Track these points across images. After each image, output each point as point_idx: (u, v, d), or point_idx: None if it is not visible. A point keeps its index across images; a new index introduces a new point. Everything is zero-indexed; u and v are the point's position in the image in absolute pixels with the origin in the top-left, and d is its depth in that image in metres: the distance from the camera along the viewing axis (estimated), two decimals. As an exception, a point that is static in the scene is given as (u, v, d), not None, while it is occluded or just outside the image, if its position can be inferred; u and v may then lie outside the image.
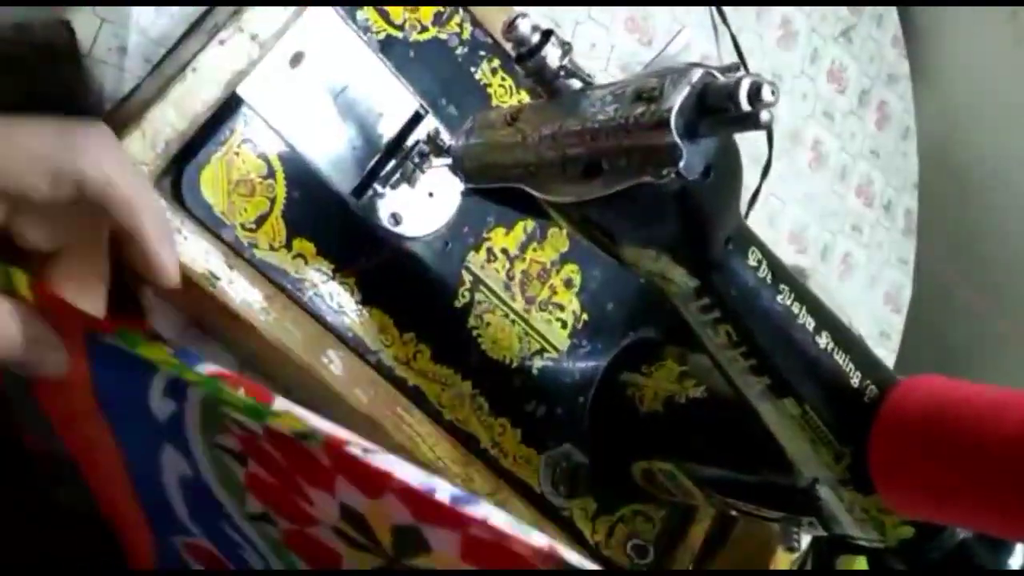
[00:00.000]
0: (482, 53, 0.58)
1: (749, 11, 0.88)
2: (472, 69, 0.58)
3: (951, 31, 1.07)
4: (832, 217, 0.98)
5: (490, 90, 0.58)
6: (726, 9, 0.85)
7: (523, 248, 0.61)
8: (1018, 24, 1.02)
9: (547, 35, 0.45)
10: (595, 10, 0.75)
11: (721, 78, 0.38)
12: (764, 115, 0.35)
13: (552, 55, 0.45)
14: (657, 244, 0.41)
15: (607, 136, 0.40)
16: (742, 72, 0.38)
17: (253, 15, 0.49)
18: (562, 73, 0.45)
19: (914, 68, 1.06)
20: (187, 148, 0.47)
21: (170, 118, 0.46)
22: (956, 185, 1.12)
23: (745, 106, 0.36)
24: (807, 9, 0.94)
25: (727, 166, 0.40)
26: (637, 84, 0.40)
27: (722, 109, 0.37)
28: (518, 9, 0.45)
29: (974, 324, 1.15)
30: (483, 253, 0.59)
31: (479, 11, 0.57)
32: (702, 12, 0.84)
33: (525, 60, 0.45)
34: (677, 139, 0.37)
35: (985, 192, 1.12)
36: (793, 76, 0.93)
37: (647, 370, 0.63)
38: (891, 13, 1.03)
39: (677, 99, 0.37)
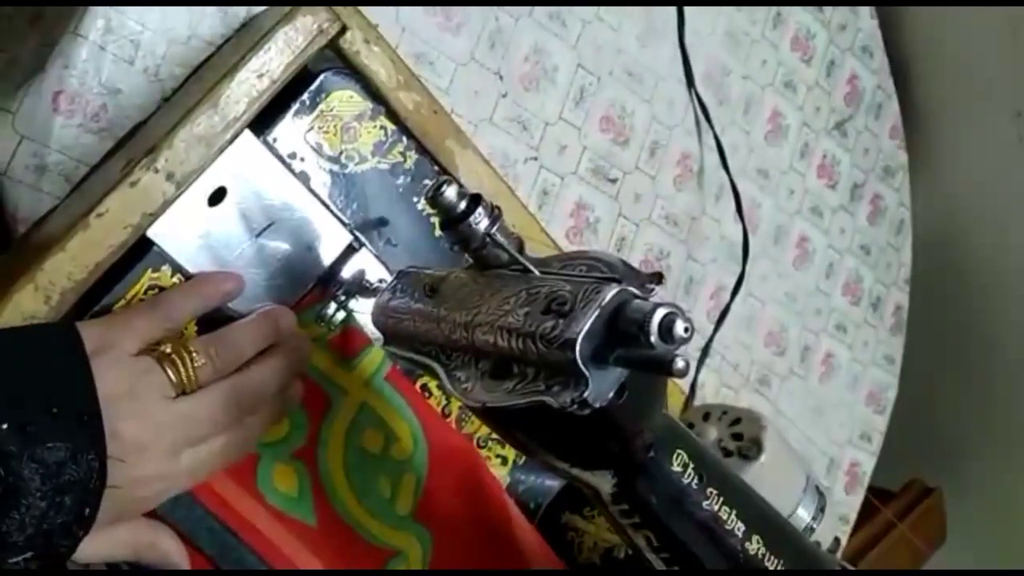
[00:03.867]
0: (426, 182, 0.55)
1: (737, 105, 0.85)
2: (414, 199, 0.55)
3: (953, 124, 1.03)
4: (815, 316, 0.94)
5: (433, 219, 0.55)
6: (709, 103, 0.81)
7: (462, 383, 0.57)
8: (1023, 121, 0.98)
9: (475, 201, 0.42)
10: (567, 110, 0.72)
11: (636, 301, 0.34)
12: (679, 364, 0.32)
13: (480, 223, 0.42)
14: (568, 457, 0.38)
15: (517, 341, 0.37)
16: (658, 298, 0.34)
17: (171, 153, 0.46)
18: (488, 241, 0.42)
19: (913, 160, 1.02)
20: (87, 297, 0.44)
21: (67, 269, 0.43)
22: (951, 282, 1.08)
23: (655, 340, 0.33)
24: (799, 101, 0.90)
25: (646, 381, 0.37)
26: (551, 288, 0.37)
27: (632, 337, 0.33)
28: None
29: (962, 426, 1.11)
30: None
31: (427, 139, 0.54)
32: (684, 105, 0.81)
33: (451, 227, 0.42)
34: (582, 367, 0.34)
35: (982, 290, 1.08)
36: (781, 172, 0.89)
37: (589, 514, 0.60)
38: (891, 103, 1.00)
39: (585, 323, 0.34)
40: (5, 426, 0.36)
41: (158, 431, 0.41)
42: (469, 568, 0.53)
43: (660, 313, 0.33)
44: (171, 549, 0.45)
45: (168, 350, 0.43)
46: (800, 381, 0.93)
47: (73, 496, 0.38)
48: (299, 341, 0.48)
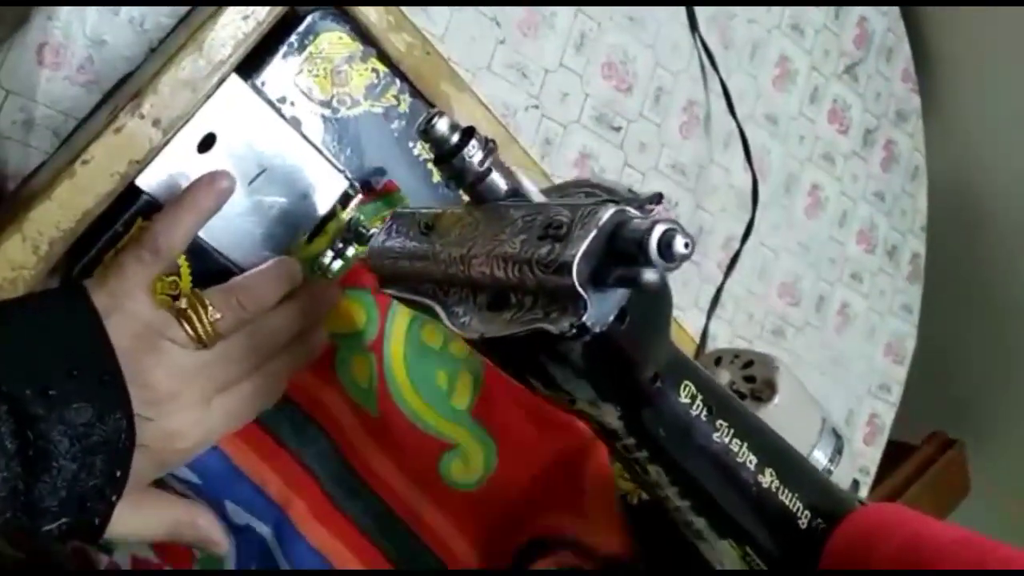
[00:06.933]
0: (422, 126, 0.53)
1: (744, 51, 0.83)
2: (410, 144, 0.53)
3: (965, 66, 1.00)
4: (830, 266, 0.92)
5: (430, 165, 0.54)
6: (714, 48, 0.79)
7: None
8: (1039, 60, 0.95)
9: (468, 134, 0.40)
10: (567, 56, 0.70)
11: (635, 220, 0.33)
12: (646, 276, 0.31)
13: (473, 156, 0.40)
14: (571, 387, 0.37)
15: (513, 270, 0.35)
16: (657, 215, 0.33)
17: (156, 99, 0.44)
18: (483, 175, 0.40)
19: (925, 104, 0.99)
20: (76, 247, 0.43)
21: (55, 217, 0.42)
22: (969, 228, 1.06)
23: (655, 257, 0.31)
24: (808, 46, 0.88)
25: (647, 306, 0.35)
26: (548, 214, 0.35)
27: (632, 256, 0.32)
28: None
29: (982, 376, 1.09)
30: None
31: (420, 81, 0.53)
32: (689, 52, 0.79)
33: (443, 162, 0.41)
34: (580, 290, 0.32)
35: (1001, 235, 1.06)
36: (790, 118, 0.87)
37: (601, 462, 0.59)
38: (902, 46, 0.97)
39: (582, 244, 0.33)
40: (29, 392, 0.36)
41: (186, 377, 0.41)
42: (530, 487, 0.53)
43: (659, 230, 0.31)
44: (211, 529, 0.45)
45: (184, 305, 0.43)
46: (816, 332, 0.91)
47: (103, 457, 0.37)
48: (318, 287, 0.47)
